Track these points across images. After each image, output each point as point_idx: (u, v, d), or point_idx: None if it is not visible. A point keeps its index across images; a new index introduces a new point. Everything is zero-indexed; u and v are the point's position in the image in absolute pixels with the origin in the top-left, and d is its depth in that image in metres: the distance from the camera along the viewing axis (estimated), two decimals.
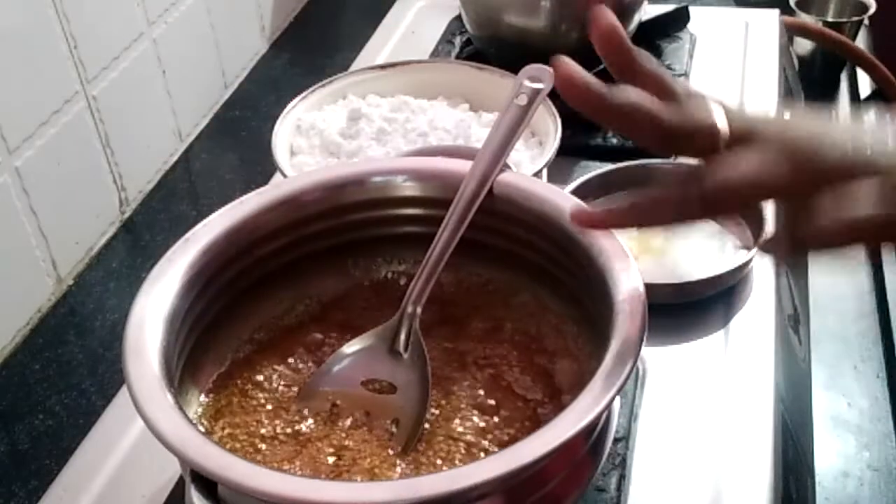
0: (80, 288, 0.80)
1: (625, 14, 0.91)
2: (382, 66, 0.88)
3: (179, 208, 0.89)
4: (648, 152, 0.50)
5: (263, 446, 0.54)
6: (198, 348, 0.57)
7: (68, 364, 0.73)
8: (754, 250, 0.72)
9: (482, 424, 0.55)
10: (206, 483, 0.45)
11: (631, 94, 0.49)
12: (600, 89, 0.48)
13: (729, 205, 0.49)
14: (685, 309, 0.70)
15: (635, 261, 0.53)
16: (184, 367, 0.55)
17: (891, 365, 0.82)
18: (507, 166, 0.60)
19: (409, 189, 0.62)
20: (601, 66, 0.92)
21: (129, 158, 0.86)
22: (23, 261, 0.75)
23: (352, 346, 0.58)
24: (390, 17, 1.12)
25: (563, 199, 0.59)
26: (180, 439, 0.46)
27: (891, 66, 1.15)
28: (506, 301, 0.62)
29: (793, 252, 0.48)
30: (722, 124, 0.48)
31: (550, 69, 0.62)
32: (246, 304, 0.61)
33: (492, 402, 0.56)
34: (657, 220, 0.52)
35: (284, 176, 0.74)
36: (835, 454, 0.75)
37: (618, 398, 0.52)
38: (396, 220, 0.63)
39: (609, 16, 0.49)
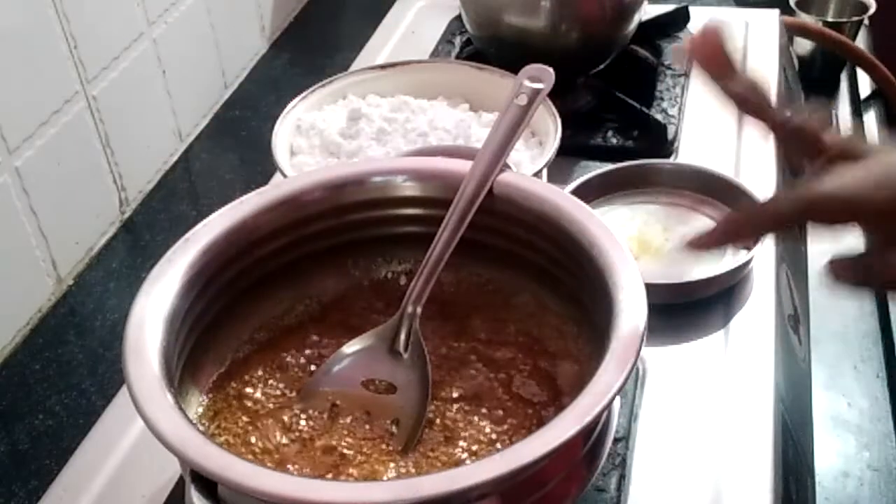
0: (80, 288, 0.80)
1: (625, 14, 0.91)
2: (382, 66, 0.88)
3: (179, 208, 0.89)
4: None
5: (263, 446, 0.54)
6: (198, 348, 0.57)
7: (68, 364, 0.73)
8: (754, 250, 0.72)
9: (482, 424, 0.55)
10: (206, 483, 0.45)
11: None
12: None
13: (824, 215, 0.48)
14: (685, 309, 0.70)
15: (635, 261, 0.54)
16: (184, 367, 0.55)
17: (891, 365, 0.82)
18: (507, 166, 0.60)
19: (409, 189, 0.62)
20: (601, 67, 0.92)
21: (129, 158, 0.86)
22: (23, 261, 0.75)
23: (352, 346, 0.58)
24: (390, 17, 1.12)
25: (563, 199, 0.59)
26: (180, 439, 0.46)
27: (891, 66, 1.15)
28: (506, 301, 0.62)
29: (863, 282, 0.48)
30: (832, 130, 0.49)
31: (550, 69, 0.62)
32: (246, 304, 0.61)
33: (491, 402, 0.56)
34: (755, 228, 0.53)
35: (284, 176, 0.74)
36: (835, 454, 0.75)
37: (618, 398, 0.52)
38: (396, 220, 0.63)
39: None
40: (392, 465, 0.53)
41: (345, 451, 0.54)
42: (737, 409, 0.64)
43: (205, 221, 0.58)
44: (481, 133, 0.79)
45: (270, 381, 0.58)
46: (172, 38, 0.91)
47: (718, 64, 0.52)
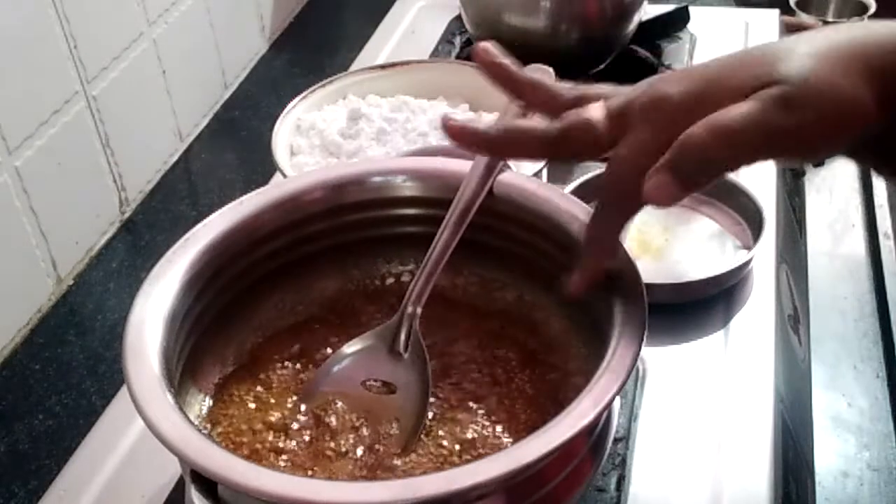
0: (80, 288, 0.80)
1: (625, 14, 0.91)
2: (382, 66, 0.88)
3: (179, 208, 0.89)
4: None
5: (263, 446, 0.54)
6: (198, 349, 0.57)
7: (68, 364, 0.73)
8: (754, 250, 0.72)
9: (482, 424, 0.55)
10: (206, 483, 0.45)
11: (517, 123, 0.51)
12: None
13: (627, 188, 0.49)
14: (685, 309, 0.70)
15: (635, 261, 0.53)
16: (184, 367, 0.55)
17: (891, 365, 0.82)
18: (507, 166, 0.60)
19: (409, 189, 0.62)
20: (601, 67, 0.92)
21: (129, 158, 0.86)
22: (23, 261, 0.75)
23: (352, 346, 0.58)
24: (390, 17, 1.12)
25: (563, 200, 0.59)
26: (180, 439, 0.46)
27: None
28: (505, 301, 0.62)
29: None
30: (597, 117, 0.48)
31: (550, 69, 0.62)
32: (246, 305, 0.61)
33: (492, 402, 0.56)
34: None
35: (284, 176, 0.74)
36: (835, 454, 0.75)
37: (618, 398, 0.52)
38: (396, 220, 0.63)
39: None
40: (392, 465, 0.53)
41: (345, 451, 0.54)
42: (737, 409, 0.64)
43: (205, 221, 0.58)
44: None
45: (270, 382, 0.58)
46: (172, 38, 0.91)
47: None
